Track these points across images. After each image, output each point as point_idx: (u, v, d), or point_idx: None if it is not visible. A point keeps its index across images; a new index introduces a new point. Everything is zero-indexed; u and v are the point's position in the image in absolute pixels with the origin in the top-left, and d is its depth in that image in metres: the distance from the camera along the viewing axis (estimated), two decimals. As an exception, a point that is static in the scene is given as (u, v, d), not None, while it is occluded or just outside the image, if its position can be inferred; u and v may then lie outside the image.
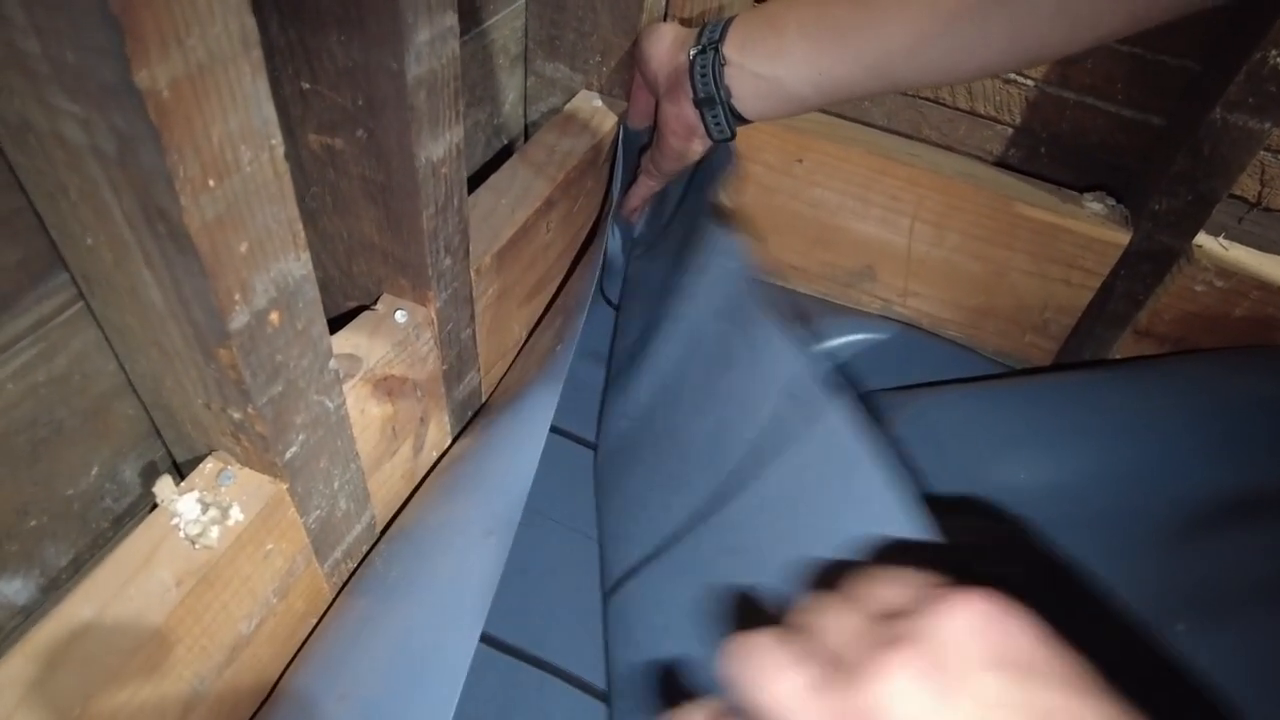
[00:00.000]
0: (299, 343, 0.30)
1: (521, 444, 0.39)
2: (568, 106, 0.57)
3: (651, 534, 0.46)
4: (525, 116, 0.61)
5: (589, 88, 0.58)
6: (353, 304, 0.43)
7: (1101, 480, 0.48)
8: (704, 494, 0.44)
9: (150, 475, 0.37)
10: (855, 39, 0.42)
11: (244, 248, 0.25)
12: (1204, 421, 0.48)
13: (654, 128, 0.55)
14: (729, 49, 0.46)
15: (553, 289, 0.57)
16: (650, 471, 0.49)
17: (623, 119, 0.57)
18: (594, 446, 0.55)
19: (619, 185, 0.58)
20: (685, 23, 0.58)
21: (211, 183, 0.23)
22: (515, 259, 0.48)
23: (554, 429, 0.49)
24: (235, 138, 0.23)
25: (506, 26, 0.55)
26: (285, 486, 0.33)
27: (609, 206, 0.58)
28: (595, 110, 0.57)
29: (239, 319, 0.26)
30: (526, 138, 0.63)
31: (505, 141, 0.60)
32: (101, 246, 0.26)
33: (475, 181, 0.57)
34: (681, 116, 0.49)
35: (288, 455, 0.32)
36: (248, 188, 0.24)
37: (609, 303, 0.64)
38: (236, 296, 0.26)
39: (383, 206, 0.37)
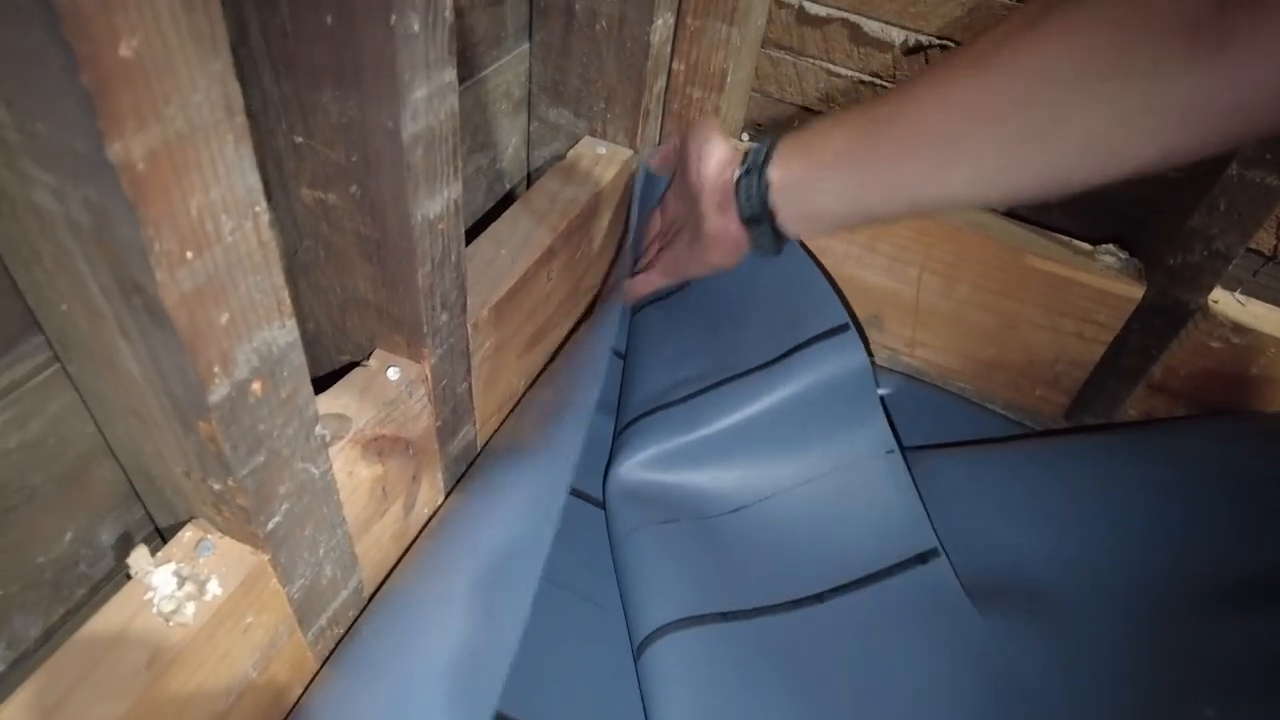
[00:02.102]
0: (283, 411, 0.28)
1: (533, 522, 0.38)
2: (571, 152, 0.56)
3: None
4: (528, 162, 0.61)
5: (593, 133, 0.57)
6: (345, 358, 0.41)
7: (1114, 551, 0.47)
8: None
9: (128, 539, 0.35)
10: (887, 165, 0.44)
11: (225, 319, 0.24)
12: (1220, 492, 0.46)
13: (675, 235, 0.56)
14: (772, 172, 0.47)
15: (554, 337, 0.56)
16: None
17: (635, 167, 0.56)
18: (605, 505, 0.54)
19: (633, 235, 0.57)
20: (690, 69, 0.57)
21: (190, 255, 0.22)
22: (515, 310, 0.47)
23: None
24: (216, 208, 0.22)
25: (510, 71, 0.54)
26: (267, 557, 0.31)
27: (624, 251, 0.57)
28: (599, 157, 0.56)
29: (219, 392, 0.25)
30: (529, 183, 0.62)
31: (507, 187, 0.59)
32: (76, 313, 0.25)
33: (477, 228, 0.57)
34: (729, 232, 0.50)
35: (270, 526, 0.30)
36: (229, 258, 0.23)
37: (614, 353, 0.63)
38: (216, 369, 0.24)
39: (377, 263, 0.36)
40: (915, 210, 0.46)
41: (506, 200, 0.60)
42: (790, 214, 0.48)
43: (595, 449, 0.56)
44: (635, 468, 0.54)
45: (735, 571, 0.50)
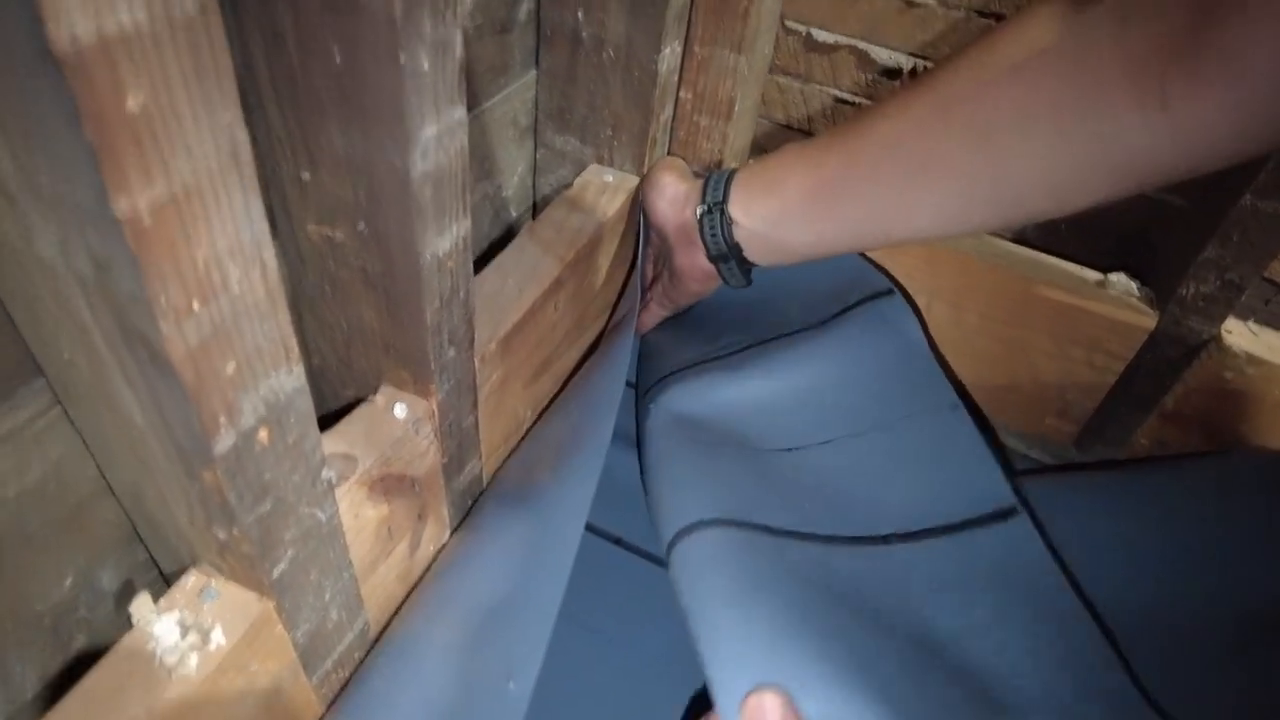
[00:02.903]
0: (289, 457, 0.28)
1: (546, 564, 0.37)
2: (578, 181, 0.55)
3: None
4: (534, 188, 0.60)
5: (599, 161, 0.57)
6: (350, 392, 0.41)
7: (1142, 584, 0.46)
8: None
9: (130, 583, 0.35)
10: (850, 203, 0.44)
11: (231, 369, 0.23)
12: (1229, 531, 0.46)
13: (662, 268, 0.57)
14: (734, 210, 0.48)
15: (561, 366, 0.55)
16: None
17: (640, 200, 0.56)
18: (618, 540, 0.53)
19: (641, 262, 0.57)
20: (698, 97, 0.57)
21: (196, 306, 0.21)
22: (522, 342, 0.47)
23: None
24: (223, 258, 0.21)
25: (517, 99, 0.53)
26: (272, 604, 0.30)
27: (633, 279, 0.57)
28: (606, 185, 0.55)
29: (224, 442, 0.24)
30: (535, 209, 0.61)
31: (513, 214, 0.59)
32: (79, 360, 0.24)
33: (482, 256, 0.56)
34: (698, 266, 0.52)
35: (275, 573, 0.30)
36: (236, 308, 0.22)
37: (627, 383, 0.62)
38: (222, 419, 0.24)
39: (384, 299, 0.35)
40: (885, 244, 0.48)
41: (512, 227, 0.59)
42: (757, 249, 0.49)
43: (609, 480, 0.55)
44: (679, 399, 0.53)
45: (787, 500, 0.48)
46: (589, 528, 0.54)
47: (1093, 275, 0.58)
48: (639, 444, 0.53)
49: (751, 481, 0.48)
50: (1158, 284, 0.57)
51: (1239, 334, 0.55)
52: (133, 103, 0.17)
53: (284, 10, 0.27)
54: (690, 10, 0.53)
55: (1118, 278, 0.57)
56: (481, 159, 0.52)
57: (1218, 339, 0.54)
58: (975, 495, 0.49)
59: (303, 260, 0.36)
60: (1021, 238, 0.61)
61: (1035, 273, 0.57)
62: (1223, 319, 0.54)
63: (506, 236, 0.59)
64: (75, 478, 0.30)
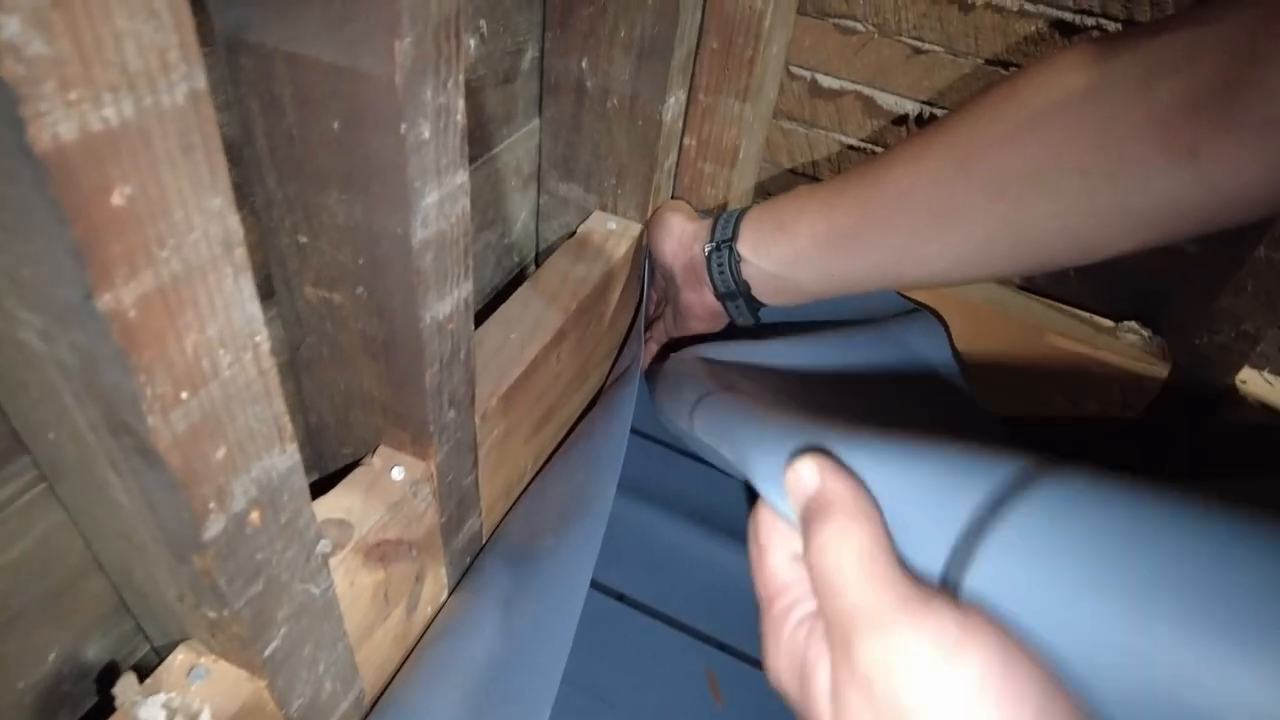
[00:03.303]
0: (283, 536, 0.27)
1: (548, 630, 0.36)
2: (581, 228, 0.55)
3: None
4: (537, 235, 0.60)
5: (603, 208, 0.56)
6: (348, 451, 0.40)
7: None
8: None
9: (117, 657, 0.34)
10: (864, 247, 0.44)
11: (221, 454, 0.22)
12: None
13: (665, 307, 0.58)
14: (743, 248, 0.48)
15: (563, 416, 0.54)
16: None
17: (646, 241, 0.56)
18: (620, 596, 0.51)
19: (645, 308, 0.56)
20: (702, 145, 0.57)
21: (184, 395, 0.20)
22: (524, 396, 0.46)
23: None
24: (213, 343, 0.20)
25: (520, 148, 0.53)
26: (264, 683, 0.29)
27: (637, 326, 0.56)
28: (610, 233, 0.55)
29: (214, 527, 0.23)
30: (538, 255, 0.61)
31: (516, 260, 0.58)
32: (64, 443, 0.23)
33: (486, 304, 0.55)
34: (705, 304, 0.52)
35: (267, 651, 0.29)
36: (226, 392, 0.22)
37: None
38: (212, 504, 0.23)
39: (383, 362, 0.34)
40: (898, 287, 0.48)
41: (515, 274, 0.59)
42: (766, 289, 0.49)
43: (612, 534, 0.54)
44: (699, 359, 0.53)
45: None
46: (591, 583, 0.53)
47: (1105, 324, 0.57)
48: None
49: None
50: (1171, 333, 0.56)
51: (1254, 384, 0.54)
52: (118, 197, 0.17)
53: (282, 77, 0.27)
54: (695, 59, 0.53)
55: (1130, 327, 0.56)
56: (484, 207, 0.51)
57: (1233, 389, 0.53)
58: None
59: (301, 322, 0.35)
60: (1031, 285, 0.60)
61: (1047, 321, 0.56)
62: (1238, 369, 0.53)
63: (510, 283, 0.58)
64: (62, 553, 0.29)
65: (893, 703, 0.23)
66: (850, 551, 0.25)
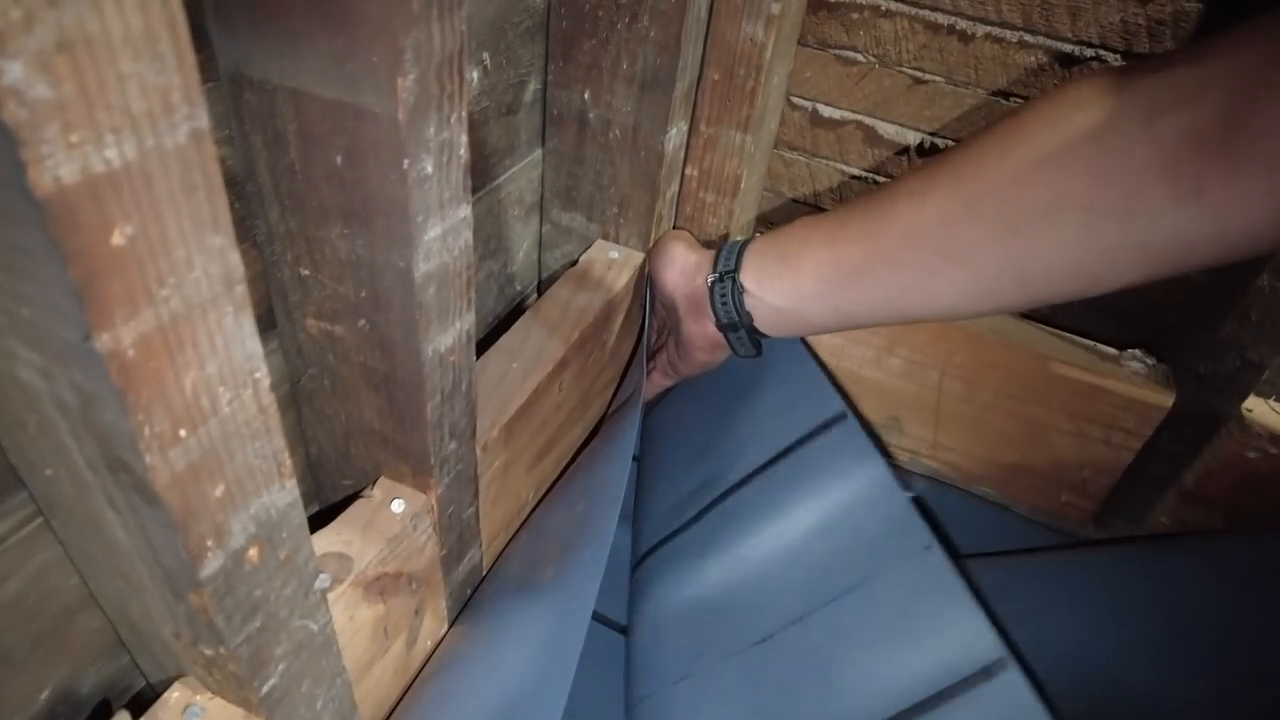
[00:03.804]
0: (281, 572, 0.26)
1: (549, 664, 0.35)
2: (583, 258, 0.55)
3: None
4: (539, 264, 0.60)
5: (606, 237, 0.56)
6: (349, 483, 0.40)
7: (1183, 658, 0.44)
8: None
9: (111, 693, 0.33)
10: (869, 283, 0.44)
11: (220, 491, 0.22)
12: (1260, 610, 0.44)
13: (667, 338, 0.58)
14: (746, 280, 0.48)
15: (565, 445, 0.54)
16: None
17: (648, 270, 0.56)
18: (622, 629, 0.51)
19: (647, 339, 0.56)
20: (704, 175, 0.57)
21: (183, 433, 0.20)
22: (525, 427, 0.45)
23: None
24: (213, 381, 0.20)
25: (523, 178, 0.53)
26: (260, 721, 0.29)
27: (639, 356, 0.56)
28: (612, 262, 0.55)
29: (212, 564, 0.23)
30: (540, 284, 0.61)
31: (518, 289, 0.58)
32: (61, 479, 0.23)
33: (488, 333, 0.55)
34: (707, 335, 0.52)
35: (265, 689, 0.28)
36: (225, 430, 0.21)
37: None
38: (210, 542, 0.23)
39: (384, 394, 0.34)
40: (902, 321, 0.47)
41: (518, 302, 0.59)
42: (769, 321, 0.49)
43: (613, 565, 0.54)
44: (656, 607, 0.52)
45: (775, 707, 0.46)
46: (592, 615, 0.52)
47: (1109, 352, 0.56)
48: (629, 611, 0.53)
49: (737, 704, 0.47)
50: (1176, 362, 0.56)
51: (1260, 412, 0.53)
52: (119, 237, 0.17)
53: (285, 113, 0.27)
54: (696, 90, 0.53)
55: (1134, 355, 0.56)
56: (487, 238, 0.52)
57: (1238, 418, 0.53)
58: (962, 652, 0.45)
59: (302, 354, 0.35)
60: (1036, 314, 0.60)
61: (1051, 350, 0.56)
62: (1243, 398, 0.53)
63: (512, 312, 0.58)
64: (58, 589, 0.29)
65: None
66: None
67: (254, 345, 0.21)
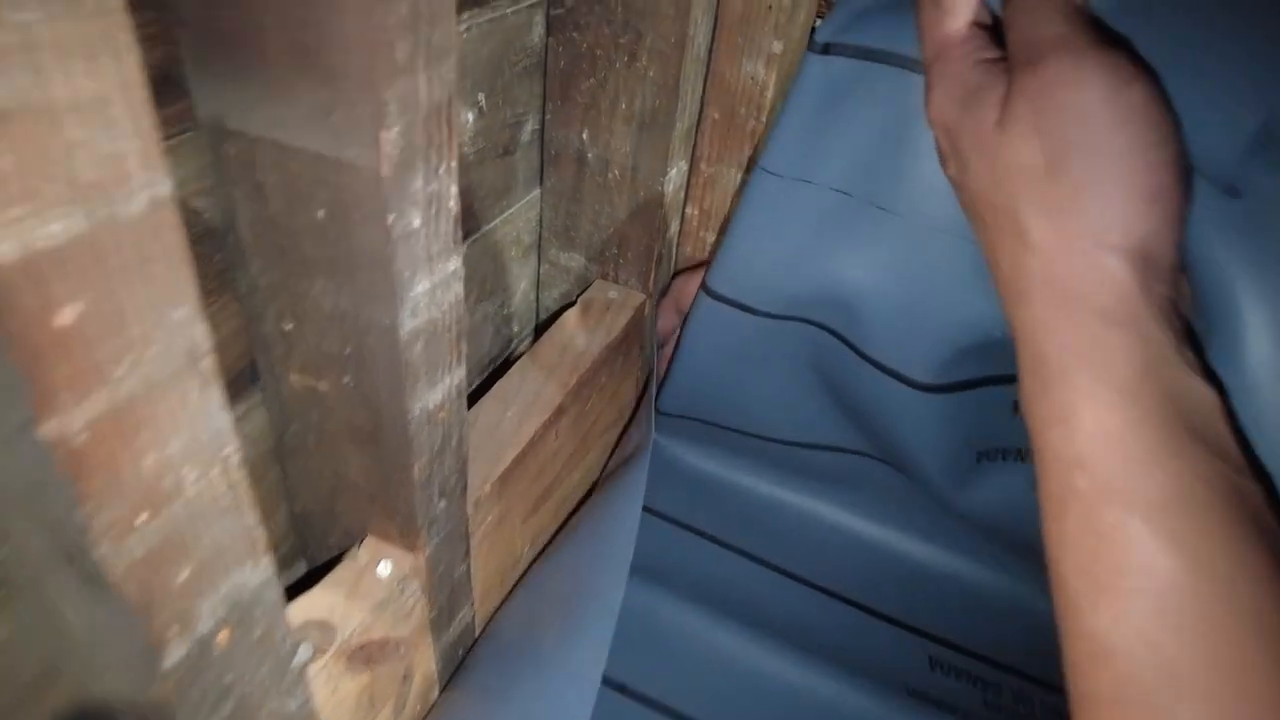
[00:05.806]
0: (255, 653, 0.25)
1: None
2: (582, 298, 0.53)
3: None
4: (537, 304, 0.58)
5: (605, 277, 0.55)
6: (334, 540, 0.38)
7: None
8: None
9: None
10: None
11: (185, 575, 0.20)
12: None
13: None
14: None
15: (562, 492, 0.52)
16: None
17: (649, 311, 0.54)
18: (621, 688, 0.49)
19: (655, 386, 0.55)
20: (704, 214, 0.56)
21: (142, 518, 0.18)
22: (520, 478, 0.44)
23: None
24: (176, 461, 0.19)
25: (520, 219, 0.52)
26: (231, 811, 0.27)
27: (645, 400, 0.54)
28: (611, 302, 0.53)
29: (175, 654, 0.21)
30: (538, 324, 0.59)
31: (515, 330, 0.57)
32: (14, 565, 0.22)
33: (484, 378, 0.54)
34: None
35: (236, 777, 0.26)
36: (191, 510, 0.20)
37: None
38: (174, 630, 0.21)
39: (370, 452, 0.32)
40: None
41: (515, 343, 0.57)
42: None
43: (625, 625, 0.51)
44: None
45: None
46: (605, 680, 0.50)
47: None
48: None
49: None
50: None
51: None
52: (66, 316, 0.15)
53: (266, 165, 0.25)
54: (697, 130, 0.52)
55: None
56: (482, 279, 0.50)
57: None
58: None
59: (285, 410, 0.33)
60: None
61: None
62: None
63: (509, 354, 0.57)
64: (18, 666, 0.27)
65: (1061, 109, 0.29)
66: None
67: (222, 420, 0.20)
